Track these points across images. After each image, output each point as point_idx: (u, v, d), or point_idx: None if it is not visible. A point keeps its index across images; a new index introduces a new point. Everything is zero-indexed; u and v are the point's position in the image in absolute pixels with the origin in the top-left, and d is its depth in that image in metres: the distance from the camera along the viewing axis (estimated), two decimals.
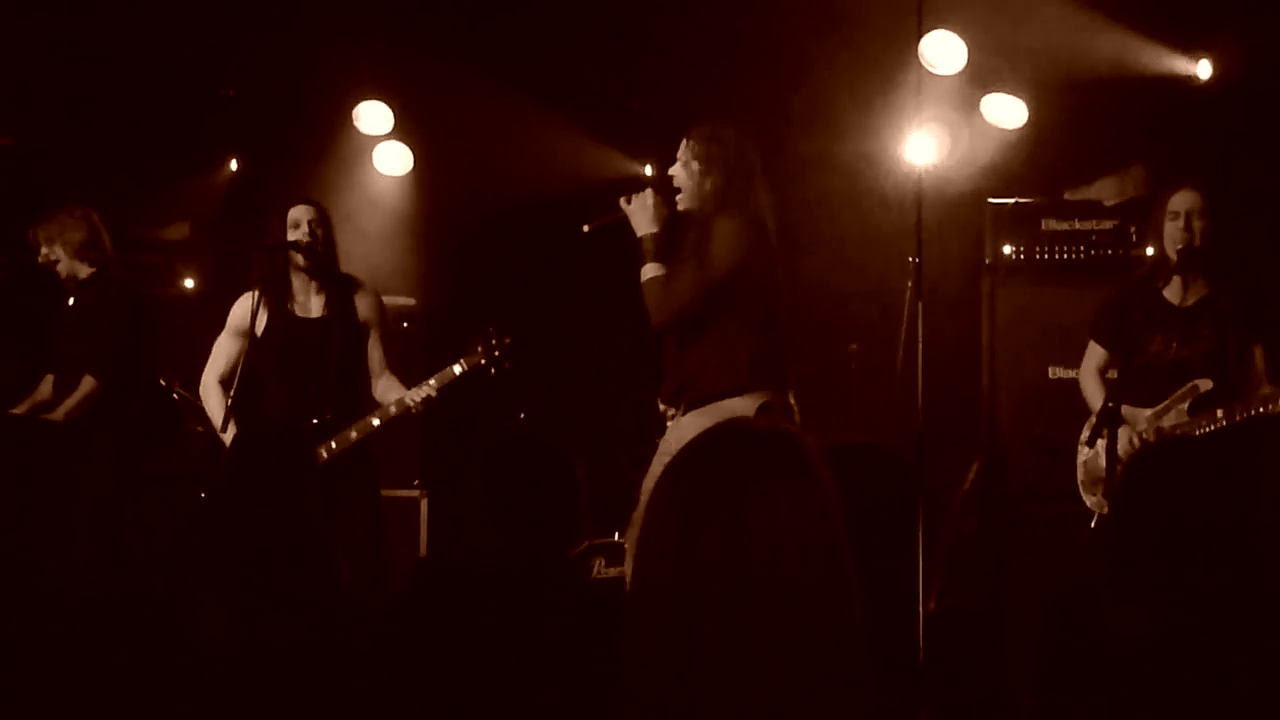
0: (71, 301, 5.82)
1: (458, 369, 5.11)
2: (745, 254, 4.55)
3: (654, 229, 4.67)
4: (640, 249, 4.67)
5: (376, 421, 5.14)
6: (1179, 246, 4.81)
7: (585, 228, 4.80)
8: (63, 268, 5.80)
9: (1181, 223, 4.82)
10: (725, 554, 1.59)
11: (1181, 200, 4.85)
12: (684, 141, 4.69)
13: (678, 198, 4.67)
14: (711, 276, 4.53)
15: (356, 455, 5.16)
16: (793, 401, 4.67)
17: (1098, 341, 5.17)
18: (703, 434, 1.72)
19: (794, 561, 1.61)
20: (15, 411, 5.74)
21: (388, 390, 5.28)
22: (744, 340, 4.57)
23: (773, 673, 1.56)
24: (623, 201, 4.73)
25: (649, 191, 4.71)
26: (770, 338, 4.65)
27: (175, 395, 6.03)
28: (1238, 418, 4.65)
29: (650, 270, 4.65)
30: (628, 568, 5.80)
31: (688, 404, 4.62)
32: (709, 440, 1.69)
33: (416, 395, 5.10)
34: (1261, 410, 4.62)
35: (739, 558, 1.59)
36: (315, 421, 5.14)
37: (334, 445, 5.11)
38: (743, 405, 4.48)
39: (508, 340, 5.09)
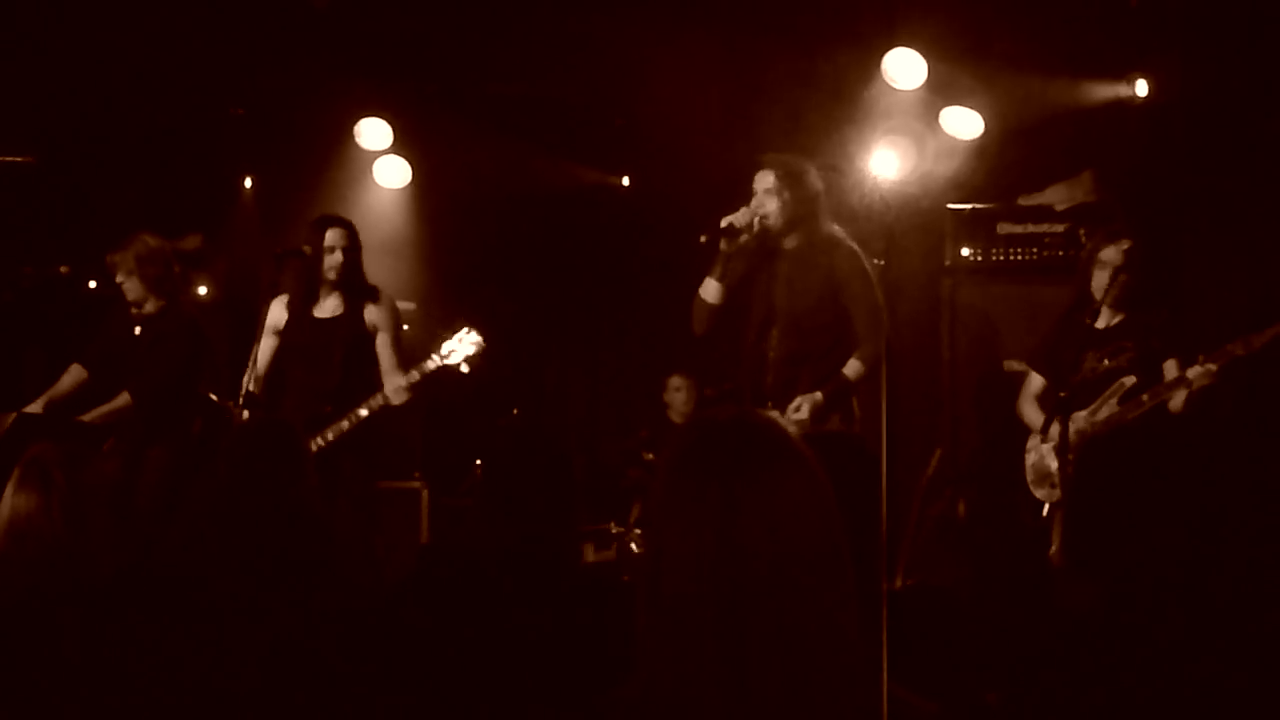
0: (138, 331, 5.83)
1: (431, 364, 5.24)
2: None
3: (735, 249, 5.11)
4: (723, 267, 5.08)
5: (364, 412, 5.24)
6: (1108, 295, 5.05)
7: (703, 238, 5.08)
8: (132, 294, 5.81)
9: (1108, 274, 5.06)
10: (765, 536, 1.60)
11: (1110, 255, 5.10)
12: (763, 174, 5.05)
13: (763, 219, 5.03)
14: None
15: (352, 444, 5.24)
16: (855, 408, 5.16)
17: (1035, 369, 5.40)
18: (700, 423, 1.72)
19: (818, 543, 1.62)
20: (31, 408, 5.73)
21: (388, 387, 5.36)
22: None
23: (803, 649, 1.58)
24: (728, 220, 5.04)
25: (750, 211, 5.07)
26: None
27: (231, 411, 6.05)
28: (1160, 396, 4.91)
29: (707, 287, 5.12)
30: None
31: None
32: (714, 429, 1.70)
33: (392, 394, 5.25)
34: (1177, 387, 4.89)
35: (777, 540, 1.60)
36: (317, 414, 5.24)
37: (329, 435, 5.21)
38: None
39: (479, 339, 5.21)
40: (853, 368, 5.01)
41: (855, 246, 5.11)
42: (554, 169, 7.49)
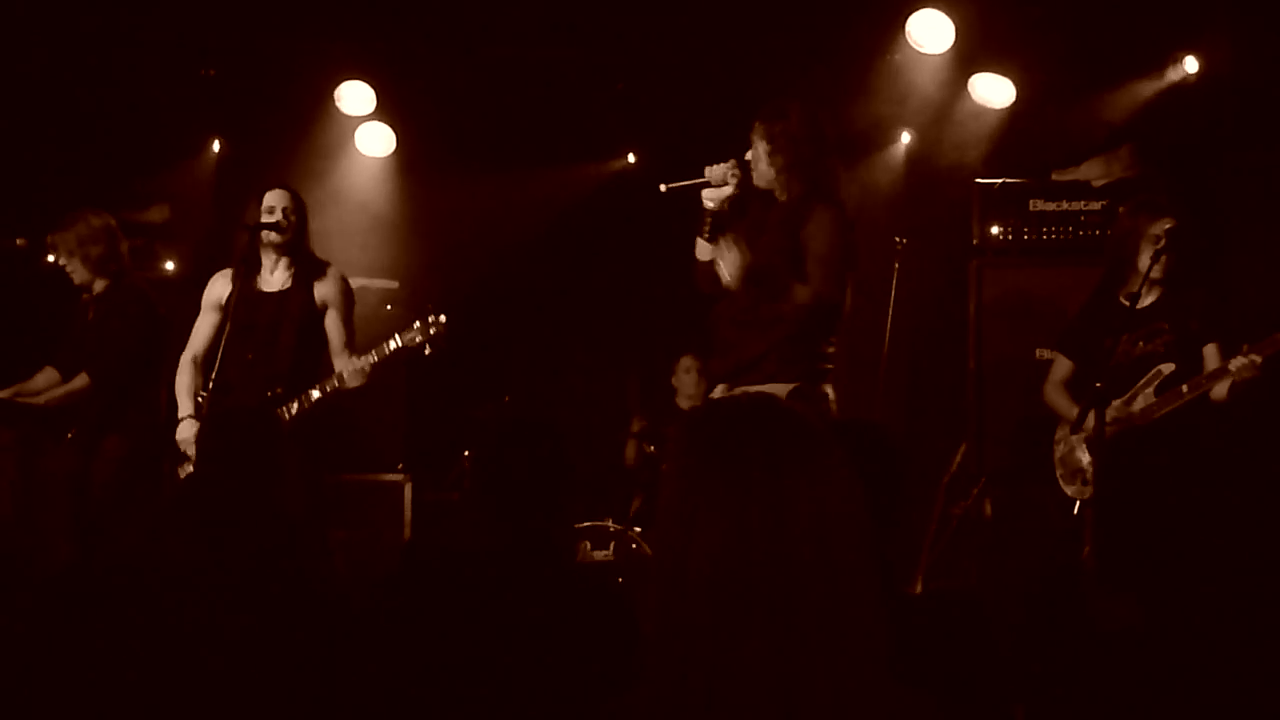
0: (90, 315, 5.86)
1: (392, 344, 5.23)
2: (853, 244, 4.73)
3: (723, 205, 4.74)
4: (707, 223, 4.74)
5: (316, 394, 5.27)
6: (1163, 270, 5.01)
7: (663, 187, 4.78)
8: (78, 277, 5.84)
9: (1149, 251, 5.00)
10: (775, 530, 1.60)
11: (1162, 228, 5.03)
12: (754, 124, 4.76)
13: (753, 175, 4.75)
14: (849, 270, 4.67)
15: (298, 429, 5.22)
16: (830, 393, 4.71)
17: (1065, 354, 5.37)
18: (722, 411, 1.73)
19: (834, 539, 1.62)
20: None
21: (344, 369, 5.38)
22: (813, 332, 4.64)
23: (814, 650, 1.59)
24: (707, 170, 4.77)
25: (732, 161, 4.76)
26: (833, 331, 4.73)
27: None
28: (1201, 387, 4.89)
29: (731, 257, 4.68)
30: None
31: (742, 385, 4.66)
32: (737, 416, 1.70)
33: (348, 377, 5.24)
34: (1219, 379, 4.87)
35: (788, 534, 1.60)
36: (267, 395, 5.26)
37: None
38: (778, 389, 4.54)
39: (444, 320, 5.19)
40: (798, 293, 4.62)
41: (838, 205, 4.70)
42: (561, 173, 7.51)
